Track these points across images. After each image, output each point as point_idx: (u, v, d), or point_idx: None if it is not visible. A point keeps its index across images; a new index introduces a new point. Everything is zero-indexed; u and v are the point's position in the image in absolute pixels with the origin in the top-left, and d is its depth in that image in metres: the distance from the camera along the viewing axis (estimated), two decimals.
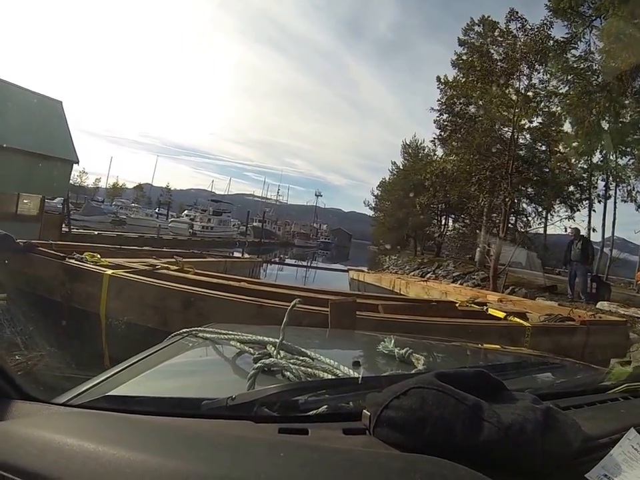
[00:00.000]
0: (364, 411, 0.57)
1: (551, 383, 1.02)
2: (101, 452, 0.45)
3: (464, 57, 14.61)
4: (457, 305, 3.79)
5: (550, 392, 0.79)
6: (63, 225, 14.92)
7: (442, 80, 18.57)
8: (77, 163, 12.75)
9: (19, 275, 2.78)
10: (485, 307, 3.67)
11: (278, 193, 71.97)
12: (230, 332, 0.99)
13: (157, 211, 43.04)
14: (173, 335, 1.10)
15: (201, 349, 1.03)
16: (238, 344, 0.93)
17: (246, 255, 22.52)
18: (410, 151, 25.82)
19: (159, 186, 61.31)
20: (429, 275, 17.48)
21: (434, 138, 13.69)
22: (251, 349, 0.90)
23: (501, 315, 3.29)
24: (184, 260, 4.50)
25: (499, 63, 11.52)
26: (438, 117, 14.45)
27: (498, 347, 1.58)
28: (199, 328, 1.09)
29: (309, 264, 27.75)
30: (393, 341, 1.01)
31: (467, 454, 0.47)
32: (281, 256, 34.95)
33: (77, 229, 19.02)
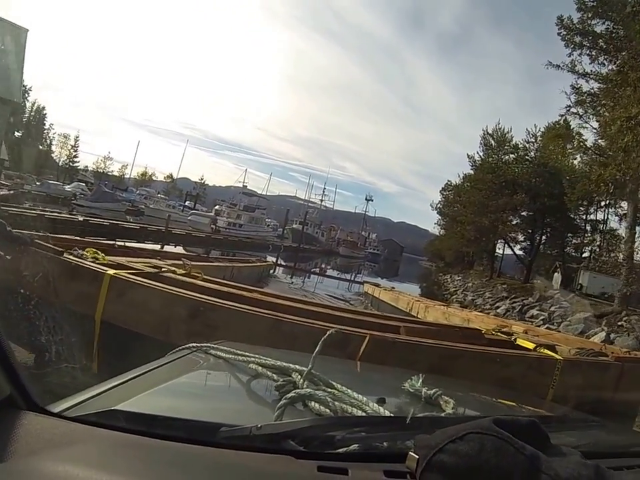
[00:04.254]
0: (410, 452, 0.55)
1: (591, 442, 0.92)
2: None
3: None
4: (483, 332, 3.41)
5: (590, 450, 0.74)
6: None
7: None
8: (20, 104, 8.80)
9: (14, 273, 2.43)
10: (513, 337, 3.36)
11: (323, 192, 64.52)
12: (247, 353, 0.94)
13: (183, 203, 39.78)
14: (179, 348, 1.05)
15: (214, 369, 0.99)
16: (259, 368, 0.89)
17: (281, 261, 18.63)
18: (492, 143, 20.10)
19: (195, 180, 58.67)
20: (534, 313, 11.45)
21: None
22: (274, 375, 0.86)
23: (530, 345, 3.04)
24: (192, 263, 3.97)
25: None
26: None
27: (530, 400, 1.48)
28: (210, 344, 1.03)
29: (352, 277, 22.54)
30: (420, 380, 0.96)
31: None
32: (322, 265, 30.30)
33: (51, 211, 15.35)
